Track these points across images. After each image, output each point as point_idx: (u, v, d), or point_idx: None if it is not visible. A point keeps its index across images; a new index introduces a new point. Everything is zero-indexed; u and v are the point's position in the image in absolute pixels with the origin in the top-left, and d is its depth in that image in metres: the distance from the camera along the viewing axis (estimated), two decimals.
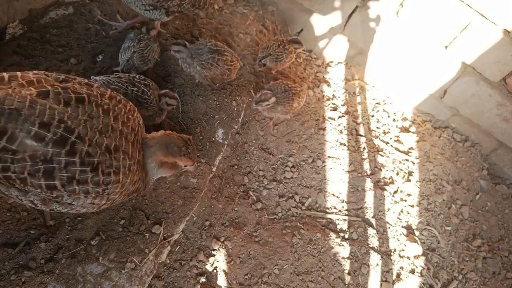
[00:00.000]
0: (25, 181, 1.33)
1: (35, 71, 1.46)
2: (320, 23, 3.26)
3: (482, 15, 2.58)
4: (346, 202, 2.60)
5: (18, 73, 1.39)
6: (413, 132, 3.15)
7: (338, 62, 3.43)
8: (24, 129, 1.27)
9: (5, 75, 1.37)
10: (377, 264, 2.39)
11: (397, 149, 3.01)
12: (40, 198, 1.44)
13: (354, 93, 3.31)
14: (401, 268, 2.46)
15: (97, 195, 1.48)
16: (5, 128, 1.25)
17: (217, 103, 2.57)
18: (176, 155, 1.71)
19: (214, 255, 2.13)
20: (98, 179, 1.41)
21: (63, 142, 1.32)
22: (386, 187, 2.75)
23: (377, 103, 3.31)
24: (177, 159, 1.73)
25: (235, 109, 2.59)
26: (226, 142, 2.46)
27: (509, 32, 2.57)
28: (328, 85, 3.22)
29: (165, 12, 2.40)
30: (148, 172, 1.73)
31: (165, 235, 2.01)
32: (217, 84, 2.60)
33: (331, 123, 2.94)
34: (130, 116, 1.58)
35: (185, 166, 1.80)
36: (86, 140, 1.37)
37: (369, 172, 2.78)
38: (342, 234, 2.44)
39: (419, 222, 2.68)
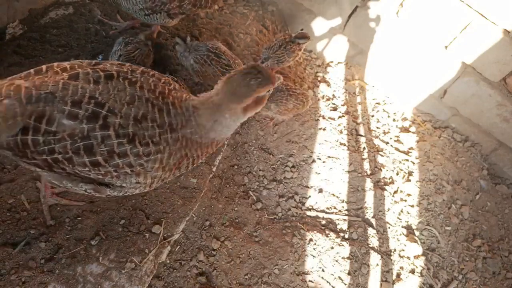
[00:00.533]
0: (72, 161, 1.38)
1: (72, 61, 1.55)
2: (320, 23, 3.26)
3: (482, 15, 2.58)
4: (346, 202, 2.60)
5: (55, 63, 1.50)
6: (413, 132, 3.15)
7: (338, 62, 3.43)
8: (59, 110, 1.33)
9: (43, 67, 1.48)
10: (377, 264, 2.39)
11: (397, 149, 3.01)
12: (92, 187, 1.49)
13: (354, 93, 3.31)
14: (401, 268, 2.46)
15: (141, 171, 1.47)
16: (43, 111, 1.32)
17: None
18: (251, 93, 1.49)
19: (214, 255, 2.13)
20: (137, 150, 1.42)
21: (96, 117, 1.36)
22: (386, 187, 2.75)
23: (377, 103, 3.31)
24: (255, 94, 1.50)
25: None
26: (226, 142, 2.47)
27: (509, 32, 2.57)
28: (328, 85, 3.22)
29: (168, 15, 2.38)
30: (219, 131, 1.57)
31: (165, 235, 2.00)
32: (209, 85, 2.55)
33: (331, 123, 2.94)
34: (161, 85, 1.53)
35: (268, 91, 1.57)
36: (117, 113, 1.39)
37: (369, 172, 2.78)
38: (342, 234, 2.44)
39: (419, 222, 2.68)
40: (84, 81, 1.41)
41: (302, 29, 3.36)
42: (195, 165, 1.67)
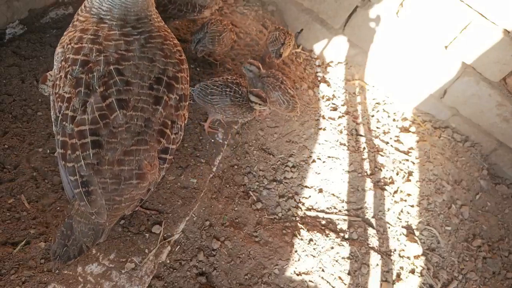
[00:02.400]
0: None
1: None
2: (320, 22, 3.26)
3: (482, 15, 2.58)
4: (346, 202, 2.60)
5: None
6: (413, 132, 3.15)
7: (338, 62, 3.43)
8: None
9: None
10: (377, 264, 2.39)
11: (397, 149, 3.01)
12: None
13: (354, 93, 3.31)
14: (401, 268, 2.46)
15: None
16: None
17: None
18: None
19: (214, 255, 2.13)
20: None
21: None
22: (386, 187, 2.75)
23: (377, 103, 3.31)
24: None
25: None
26: (226, 142, 2.47)
27: (509, 32, 2.57)
28: (328, 85, 3.22)
29: None
30: None
31: (165, 235, 2.01)
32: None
33: (331, 123, 2.94)
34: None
35: None
36: None
37: (369, 172, 2.78)
38: (342, 234, 2.44)
39: (419, 222, 2.68)
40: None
41: (302, 30, 3.37)
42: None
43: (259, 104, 2.29)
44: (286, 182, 2.56)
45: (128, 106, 1.51)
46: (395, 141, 3.08)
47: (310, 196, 2.55)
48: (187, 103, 1.74)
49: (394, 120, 3.24)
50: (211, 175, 2.32)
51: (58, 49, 1.64)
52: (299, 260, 2.26)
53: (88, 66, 1.51)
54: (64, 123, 1.51)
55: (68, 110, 1.50)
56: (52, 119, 1.62)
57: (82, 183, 1.49)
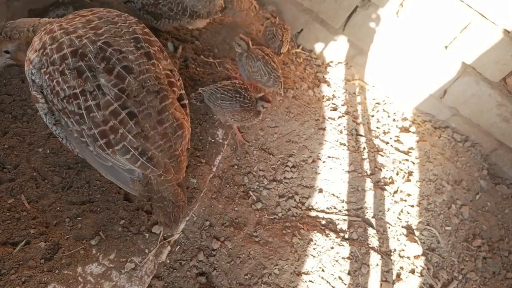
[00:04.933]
0: None
1: None
2: (320, 23, 3.26)
3: (482, 15, 2.58)
4: (346, 202, 2.60)
5: None
6: (413, 132, 3.15)
7: (338, 62, 3.43)
8: None
9: None
10: (377, 264, 2.39)
11: (397, 149, 3.01)
12: None
13: (354, 93, 3.31)
14: (401, 268, 2.46)
15: None
16: None
17: None
18: None
19: (214, 255, 2.13)
20: None
21: None
22: (386, 187, 2.75)
23: (377, 103, 3.31)
24: None
25: None
26: (226, 142, 2.47)
27: (509, 32, 2.57)
28: (328, 85, 3.22)
29: (148, 13, 2.39)
30: None
31: (165, 235, 2.01)
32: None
33: (331, 123, 2.94)
34: None
35: None
36: None
37: (369, 172, 2.78)
38: (342, 234, 2.44)
39: (419, 222, 2.68)
40: None
41: (302, 30, 3.37)
42: None
43: (265, 107, 2.38)
44: (286, 182, 2.56)
45: (133, 70, 1.58)
46: (395, 141, 3.08)
47: (310, 196, 2.55)
48: (165, 53, 1.82)
49: (394, 120, 3.24)
50: (211, 175, 2.32)
51: (32, 56, 1.62)
52: (299, 260, 2.26)
53: (79, 53, 1.53)
54: (92, 114, 1.52)
55: (89, 101, 1.52)
56: (73, 124, 1.58)
57: (140, 153, 1.58)
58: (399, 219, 2.66)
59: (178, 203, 1.79)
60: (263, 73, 2.49)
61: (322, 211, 2.52)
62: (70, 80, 1.52)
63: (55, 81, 1.55)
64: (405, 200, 2.74)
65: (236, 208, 2.34)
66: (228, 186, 2.42)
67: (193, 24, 2.57)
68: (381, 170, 2.82)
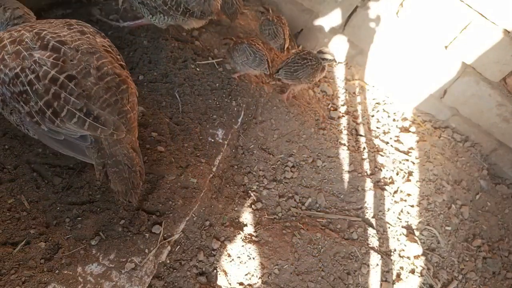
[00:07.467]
0: None
1: None
2: (320, 23, 3.26)
3: (482, 15, 2.58)
4: (346, 202, 2.60)
5: None
6: (413, 132, 3.15)
7: (338, 62, 3.43)
8: None
9: None
10: (377, 264, 2.39)
11: (397, 149, 3.01)
12: None
13: (354, 93, 3.31)
14: (401, 268, 2.46)
15: None
16: None
17: (217, 103, 2.57)
18: None
19: (214, 255, 2.13)
20: None
21: None
22: (386, 187, 2.75)
23: (377, 103, 3.31)
24: None
25: (235, 109, 2.59)
26: (226, 142, 2.47)
27: (509, 32, 2.57)
28: (328, 85, 3.22)
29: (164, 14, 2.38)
30: None
31: (165, 235, 2.00)
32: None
33: (331, 123, 2.94)
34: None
35: None
36: None
37: (369, 172, 2.78)
38: (342, 234, 2.44)
39: (419, 222, 2.68)
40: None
41: (302, 30, 3.37)
42: None
43: (329, 60, 2.64)
44: (286, 182, 2.56)
45: (66, 42, 1.66)
46: (395, 141, 3.08)
47: (310, 196, 2.55)
48: (103, 35, 1.89)
49: (394, 120, 3.24)
50: (211, 175, 2.32)
51: None
52: (299, 260, 2.26)
53: (17, 40, 1.63)
54: (35, 87, 1.57)
55: (29, 76, 1.57)
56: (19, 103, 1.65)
57: (86, 114, 1.59)
58: (399, 219, 2.66)
59: (135, 168, 1.74)
60: (248, 54, 2.53)
61: (322, 211, 2.52)
62: (9, 64, 1.59)
63: (2, 74, 1.63)
64: (405, 200, 2.74)
65: (236, 208, 2.34)
66: (228, 186, 2.42)
67: (188, 24, 2.55)
68: (381, 170, 2.82)
